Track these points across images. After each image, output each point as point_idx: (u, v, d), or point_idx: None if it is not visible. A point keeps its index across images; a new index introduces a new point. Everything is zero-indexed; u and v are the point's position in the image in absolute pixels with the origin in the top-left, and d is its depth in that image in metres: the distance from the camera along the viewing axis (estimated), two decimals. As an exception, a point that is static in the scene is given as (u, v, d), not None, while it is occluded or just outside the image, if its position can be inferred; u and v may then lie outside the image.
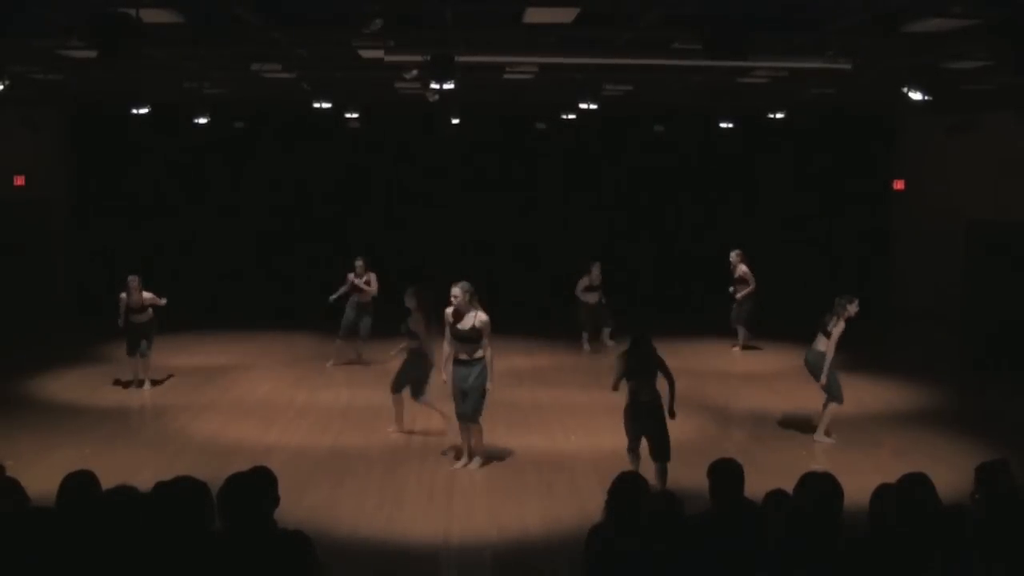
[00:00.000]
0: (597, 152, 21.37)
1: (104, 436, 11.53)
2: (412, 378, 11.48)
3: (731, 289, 16.73)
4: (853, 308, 11.52)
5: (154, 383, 13.95)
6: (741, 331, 16.88)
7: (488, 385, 10.18)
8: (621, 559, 4.83)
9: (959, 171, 19.85)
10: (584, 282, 16.78)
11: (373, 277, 15.29)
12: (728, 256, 16.93)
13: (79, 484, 4.85)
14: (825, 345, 11.51)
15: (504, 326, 14.56)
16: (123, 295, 13.56)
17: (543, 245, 21.37)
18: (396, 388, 11.68)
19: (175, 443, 11.29)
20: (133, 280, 13.59)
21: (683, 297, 20.72)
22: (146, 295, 13.65)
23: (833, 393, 11.56)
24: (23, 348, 16.39)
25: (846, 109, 19.47)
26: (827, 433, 11.64)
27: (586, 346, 17.03)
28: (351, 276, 15.31)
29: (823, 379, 11.47)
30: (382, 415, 12.35)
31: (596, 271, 16.82)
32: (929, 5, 9.18)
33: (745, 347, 17.01)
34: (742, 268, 16.64)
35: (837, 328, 11.47)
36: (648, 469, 8.90)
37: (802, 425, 12.30)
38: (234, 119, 19.56)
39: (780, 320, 19.09)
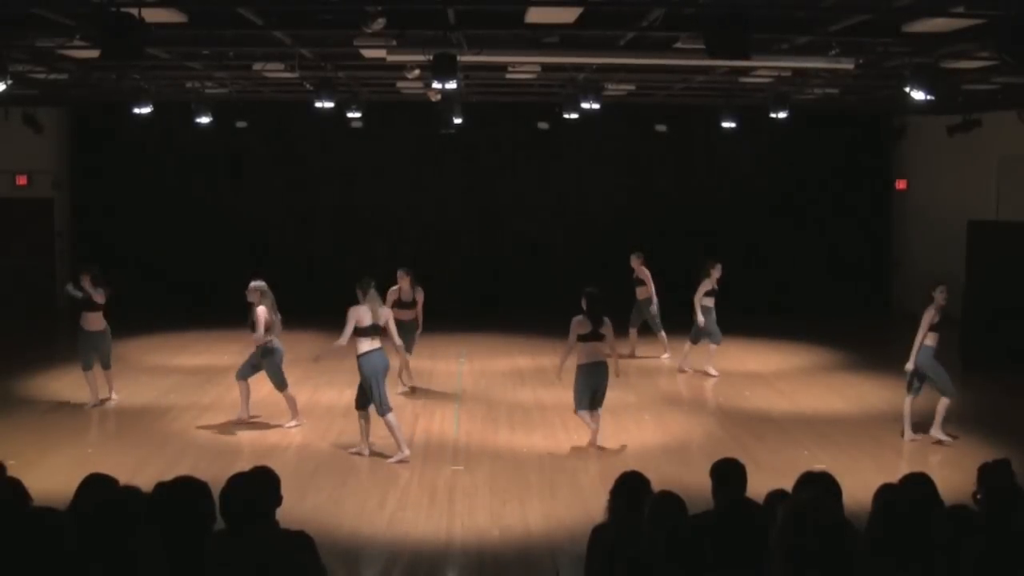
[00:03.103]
0: (599, 151, 21.36)
1: (105, 436, 11.55)
2: (268, 372, 11.89)
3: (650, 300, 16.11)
4: (940, 296, 11.29)
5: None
6: (662, 336, 16.17)
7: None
8: (623, 559, 4.82)
9: (961, 171, 19.84)
10: (705, 286, 14.92)
11: (420, 293, 13.72)
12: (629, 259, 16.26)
13: (100, 487, 4.82)
14: (932, 340, 11.26)
15: (508, 325, 14.74)
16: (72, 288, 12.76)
17: (546, 244, 21.37)
18: (280, 387, 11.97)
19: (177, 443, 11.28)
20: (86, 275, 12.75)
21: (684, 295, 20.70)
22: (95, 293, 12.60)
23: (942, 388, 11.24)
24: (24, 348, 16.38)
25: (848, 108, 19.47)
26: (948, 433, 11.37)
27: (713, 371, 15.09)
28: (390, 292, 13.48)
29: (909, 364, 11.23)
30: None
31: (717, 272, 15.00)
32: (931, 5, 9.19)
33: (635, 355, 16.15)
34: (644, 271, 16.06)
35: (926, 316, 11.25)
36: (648, 470, 8.89)
37: (805, 425, 12.30)
38: (236, 119, 19.55)
39: (781, 320, 19.12)
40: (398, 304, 13.35)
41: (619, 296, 16.06)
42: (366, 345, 10.56)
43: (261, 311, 11.63)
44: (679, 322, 16.86)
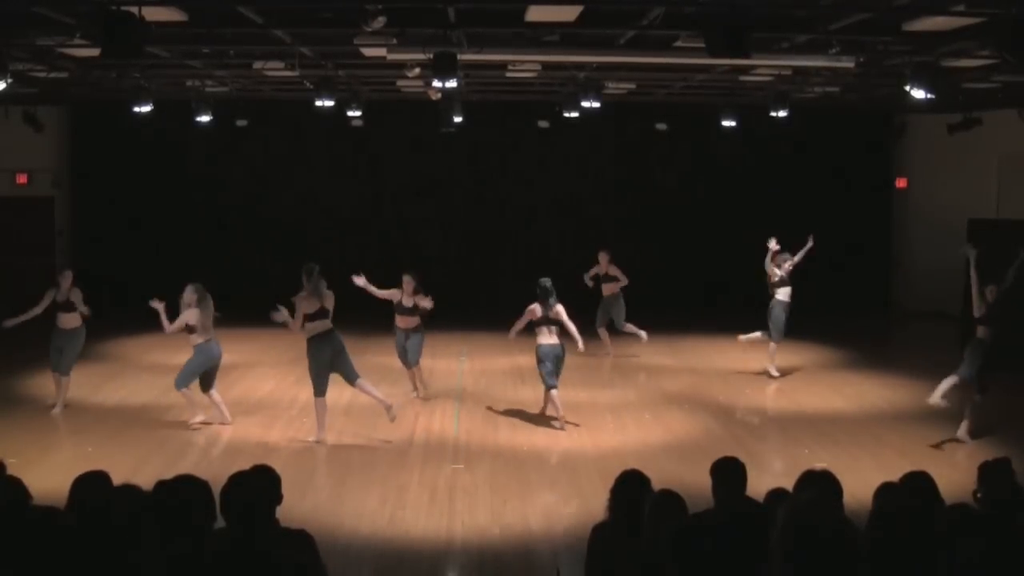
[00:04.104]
0: (599, 149, 21.36)
1: (105, 434, 11.53)
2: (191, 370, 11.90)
3: (589, 283, 15.98)
4: (989, 294, 11.37)
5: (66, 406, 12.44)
6: (629, 327, 15.96)
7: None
8: (624, 558, 4.83)
9: (961, 170, 19.84)
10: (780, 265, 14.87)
11: (427, 300, 12.96)
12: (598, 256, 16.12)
13: (94, 484, 4.83)
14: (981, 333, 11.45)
15: (508, 324, 14.60)
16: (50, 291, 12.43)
17: (547, 242, 21.36)
18: (177, 383, 11.88)
19: (177, 442, 11.28)
20: (68, 275, 12.60)
21: (685, 294, 20.73)
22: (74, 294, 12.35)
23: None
24: (24, 347, 16.36)
25: (849, 107, 19.47)
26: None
27: (774, 370, 14.92)
28: (397, 293, 13.00)
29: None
30: (385, 414, 12.37)
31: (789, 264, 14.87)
32: (931, 3, 9.19)
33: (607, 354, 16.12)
34: (613, 268, 15.89)
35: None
36: (648, 468, 8.89)
37: (805, 424, 12.30)
38: (236, 117, 19.55)
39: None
40: (397, 309, 13.10)
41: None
42: (314, 328, 11.08)
43: (192, 313, 11.73)
44: (672, 321, 16.86)
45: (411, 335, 13.08)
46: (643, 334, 16.02)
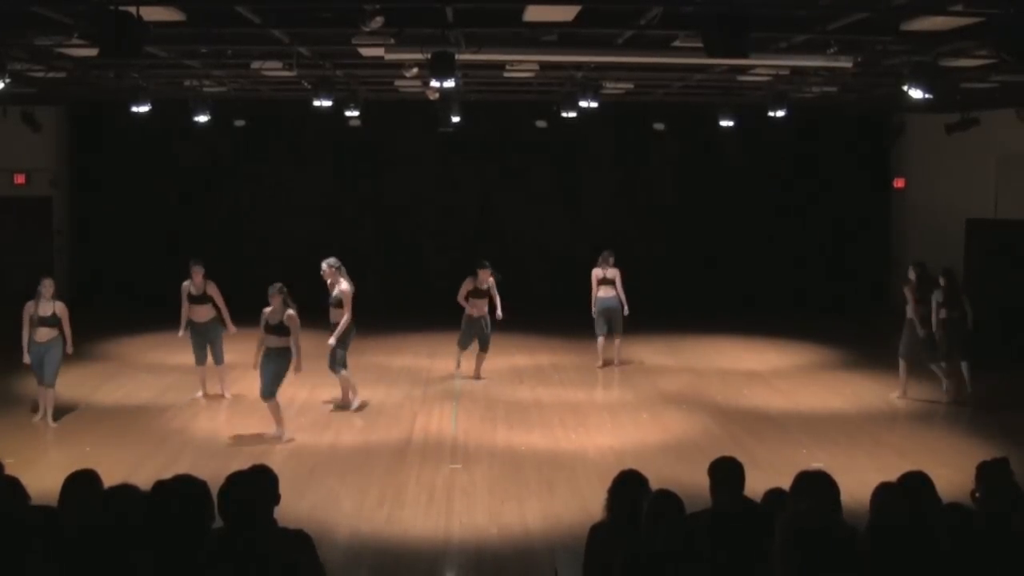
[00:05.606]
0: (598, 149, 21.36)
1: (104, 434, 11.52)
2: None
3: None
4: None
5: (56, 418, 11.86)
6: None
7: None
8: (622, 558, 4.82)
9: (959, 169, 19.84)
10: (938, 297, 13.20)
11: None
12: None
13: (82, 483, 4.85)
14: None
15: (505, 324, 14.71)
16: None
17: (544, 242, 21.36)
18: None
19: (175, 441, 11.28)
20: (47, 283, 11.74)
21: (683, 294, 20.73)
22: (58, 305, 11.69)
23: None
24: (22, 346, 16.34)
25: (847, 107, 19.46)
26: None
27: (947, 389, 13.39)
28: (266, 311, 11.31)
29: None
30: (383, 413, 12.38)
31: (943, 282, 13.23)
32: (930, 3, 9.19)
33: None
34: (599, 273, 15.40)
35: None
36: (646, 468, 8.89)
37: (803, 423, 12.30)
38: (234, 117, 19.53)
39: (779, 318, 19.14)
40: (266, 328, 11.28)
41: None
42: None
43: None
44: (670, 321, 16.82)
45: (274, 358, 11.24)
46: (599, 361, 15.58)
